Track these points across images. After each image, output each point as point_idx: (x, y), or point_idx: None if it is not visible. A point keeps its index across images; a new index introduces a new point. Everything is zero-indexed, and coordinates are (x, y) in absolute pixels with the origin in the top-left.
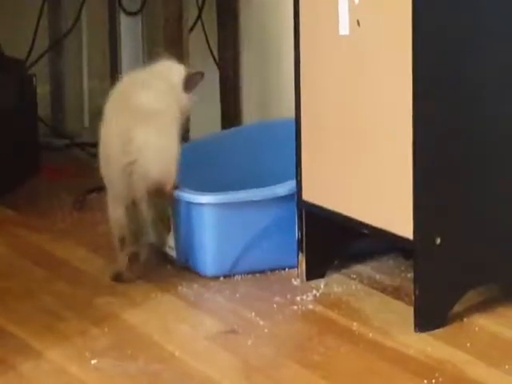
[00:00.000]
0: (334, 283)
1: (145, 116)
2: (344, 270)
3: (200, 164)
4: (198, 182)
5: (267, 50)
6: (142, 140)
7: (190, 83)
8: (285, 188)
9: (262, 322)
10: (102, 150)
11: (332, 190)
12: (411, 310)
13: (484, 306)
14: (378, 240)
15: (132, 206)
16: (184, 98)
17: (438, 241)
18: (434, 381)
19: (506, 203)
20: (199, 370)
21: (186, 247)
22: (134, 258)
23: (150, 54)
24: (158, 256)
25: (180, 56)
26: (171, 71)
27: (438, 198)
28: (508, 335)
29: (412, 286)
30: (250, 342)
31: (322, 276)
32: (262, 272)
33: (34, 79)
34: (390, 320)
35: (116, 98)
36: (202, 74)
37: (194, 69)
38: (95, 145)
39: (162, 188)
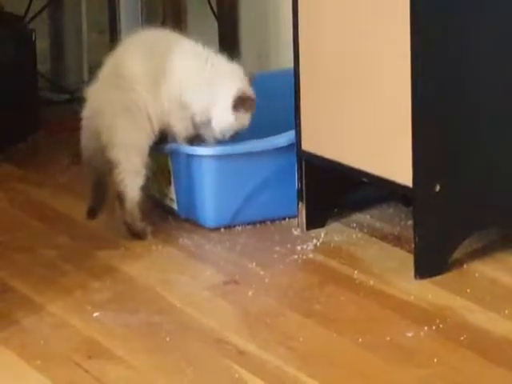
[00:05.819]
0: (334, 232)
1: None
2: (344, 219)
3: None
4: None
5: (266, 2)
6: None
7: (240, 103)
8: (284, 138)
9: (262, 272)
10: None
11: (331, 140)
12: (411, 257)
13: (483, 252)
14: (378, 188)
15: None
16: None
17: (438, 188)
18: (434, 327)
19: (505, 149)
20: (200, 320)
21: (187, 199)
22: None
23: (147, 7)
24: (159, 208)
25: (178, 9)
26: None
27: (437, 145)
28: (507, 280)
29: (412, 234)
30: (250, 293)
31: (322, 225)
32: (262, 222)
33: (34, 34)
34: (391, 268)
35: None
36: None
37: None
38: None
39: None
